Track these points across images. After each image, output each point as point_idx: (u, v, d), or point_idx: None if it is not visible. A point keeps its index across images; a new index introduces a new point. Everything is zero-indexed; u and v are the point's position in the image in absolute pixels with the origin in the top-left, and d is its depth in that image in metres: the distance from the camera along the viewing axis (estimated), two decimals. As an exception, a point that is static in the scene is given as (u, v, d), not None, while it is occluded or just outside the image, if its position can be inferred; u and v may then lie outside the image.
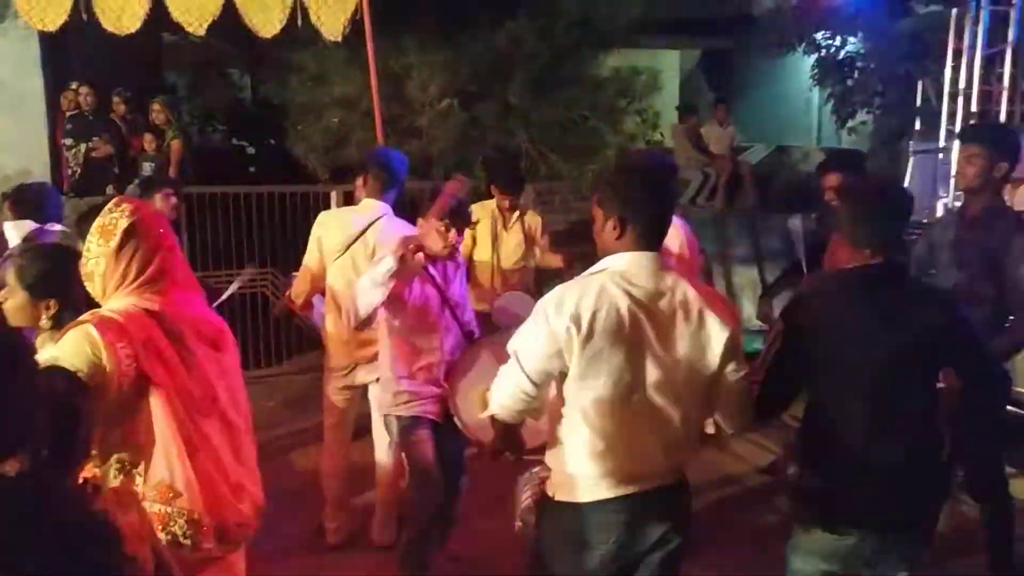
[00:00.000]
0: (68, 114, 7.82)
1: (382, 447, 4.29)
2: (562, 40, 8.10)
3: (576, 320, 2.20)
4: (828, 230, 4.50)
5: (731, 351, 2.32)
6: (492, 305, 4.90)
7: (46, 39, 6.94)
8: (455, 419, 3.48)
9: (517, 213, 5.41)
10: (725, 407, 2.44)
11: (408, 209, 4.25)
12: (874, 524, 2.53)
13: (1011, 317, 3.49)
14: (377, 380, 4.11)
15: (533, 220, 5.53)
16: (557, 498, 2.40)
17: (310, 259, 4.33)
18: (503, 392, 2.37)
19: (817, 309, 2.60)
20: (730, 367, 2.34)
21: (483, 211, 5.25)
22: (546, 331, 2.23)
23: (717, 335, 2.29)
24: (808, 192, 8.71)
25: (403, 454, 3.75)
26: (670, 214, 2.41)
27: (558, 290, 2.29)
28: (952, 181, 6.35)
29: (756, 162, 11.36)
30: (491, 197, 5.39)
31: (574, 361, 2.22)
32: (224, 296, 5.19)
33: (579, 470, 2.33)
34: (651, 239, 2.32)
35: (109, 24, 5.52)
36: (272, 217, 7.09)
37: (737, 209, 10.12)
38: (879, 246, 2.52)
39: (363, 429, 4.51)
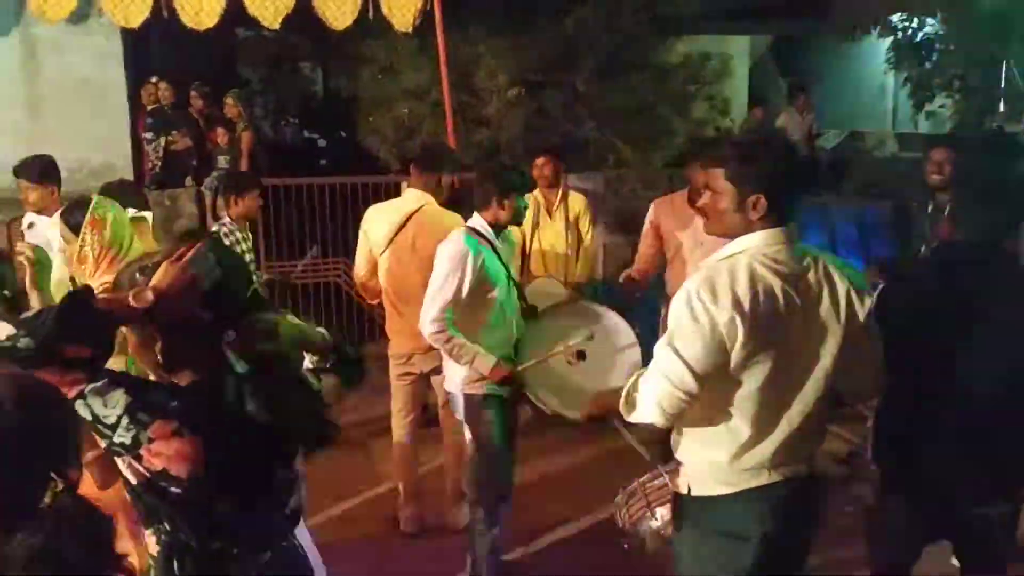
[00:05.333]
0: (148, 108, 8.07)
1: (450, 433, 4.35)
2: (630, 26, 8.04)
3: (738, 307, 2.08)
4: (909, 217, 4.41)
5: (871, 315, 2.26)
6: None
7: (127, 35, 7.16)
8: (529, 395, 3.50)
9: (560, 198, 5.42)
10: (860, 377, 2.36)
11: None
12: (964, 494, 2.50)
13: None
14: (437, 368, 4.19)
15: (576, 204, 5.52)
16: (697, 494, 2.30)
17: (360, 251, 4.45)
18: (660, 395, 2.18)
19: (917, 288, 2.56)
20: (873, 334, 2.29)
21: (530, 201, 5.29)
22: (707, 323, 2.09)
23: (860, 304, 2.23)
24: (884, 178, 8.50)
25: (469, 433, 3.76)
26: (802, 189, 2.32)
27: (700, 279, 2.15)
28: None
29: (829, 148, 11.11)
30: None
31: (736, 349, 2.10)
32: (294, 274, 5.39)
33: (726, 461, 2.23)
34: (785, 215, 2.21)
35: (188, 20, 5.67)
36: (344, 208, 7.21)
37: (812, 198, 9.91)
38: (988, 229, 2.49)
39: (433, 417, 4.58)
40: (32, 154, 4.80)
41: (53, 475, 1.44)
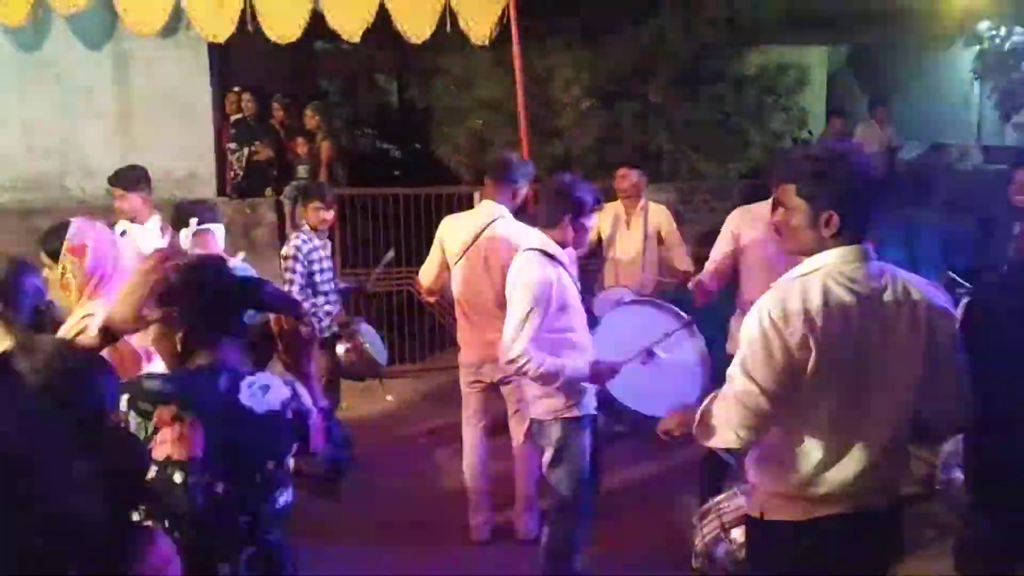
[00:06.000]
0: (232, 119, 8.31)
1: (520, 441, 4.37)
2: (705, 37, 7.98)
3: (811, 327, 2.05)
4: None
5: (955, 337, 2.19)
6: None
7: (213, 49, 7.38)
8: (621, 406, 3.46)
9: (640, 209, 5.43)
10: (944, 403, 2.26)
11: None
12: None
13: None
14: (507, 377, 4.20)
15: (657, 216, 5.52)
16: (770, 518, 2.25)
17: (430, 258, 4.52)
18: (735, 419, 2.15)
19: (1005, 305, 2.49)
20: (958, 355, 2.21)
21: (606, 212, 5.29)
22: (778, 344, 2.07)
23: (942, 324, 2.16)
24: (967, 191, 8.25)
25: (549, 455, 3.64)
26: (878, 205, 2.26)
27: (772, 299, 2.12)
28: None
29: (910, 160, 10.82)
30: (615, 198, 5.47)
31: (809, 371, 2.07)
32: (369, 283, 5.50)
33: (799, 485, 2.18)
34: (861, 232, 2.16)
35: (272, 34, 5.84)
36: (418, 218, 7.31)
37: (891, 212, 9.67)
38: None
39: (503, 426, 4.60)
40: (124, 164, 5.01)
41: None
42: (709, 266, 4.48)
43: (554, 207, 3.46)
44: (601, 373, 3.39)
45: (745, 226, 4.47)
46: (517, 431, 4.35)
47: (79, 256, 2.77)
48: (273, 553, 2.08)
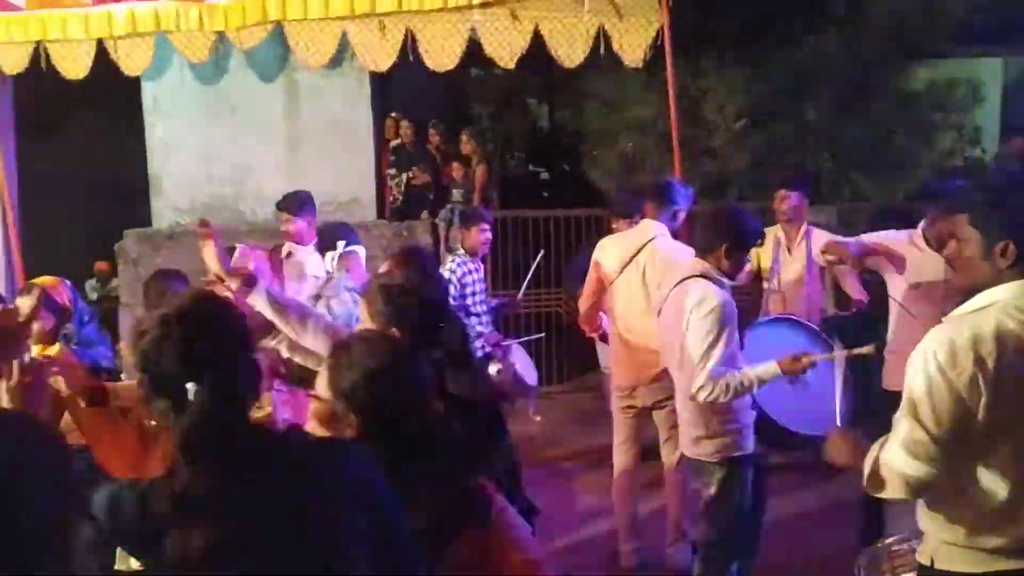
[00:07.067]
0: (391, 145, 8.65)
1: (672, 469, 4.29)
2: (870, 52, 7.67)
3: (982, 367, 1.94)
4: None
5: None
6: None
7: (374, 77, 7.70)
8: (772, 424, 3.35)
9: (802, 234, 5.15)
10: None
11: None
12: None
13: None
14: (661, 401, 4.12)
15: (820, 242, 5.24)
16: (941, 568, 2.13)
17: (588, 281, 4.51)
18: (904, 469, 2.05)
19: None
20: None
21: (768, 237, 5.08)
22: (946, 387, 1.97)
23: None
24: None
25: (710, 491, 3.50)
26: None
27: (940, 337, 2.01)
28: None
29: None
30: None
31: (980, 415, 1.97)
32: (519, 303, 5.59)
33: (973, 535, 2.06)
34: None
35: (431, 63, 6.02)
36: (568, 240, 7.35)
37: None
38: None
39: (654, 451, 4.53)
40: (292, 189, 5.28)
41: None
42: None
43: (712, 233, 3.37)
44: (794, 366, 3.19)
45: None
46: (669, 458, 4.28)
47: None
48: None
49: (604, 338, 4.91)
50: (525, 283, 5.74)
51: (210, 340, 1.59)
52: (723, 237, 3.31)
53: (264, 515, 1.53)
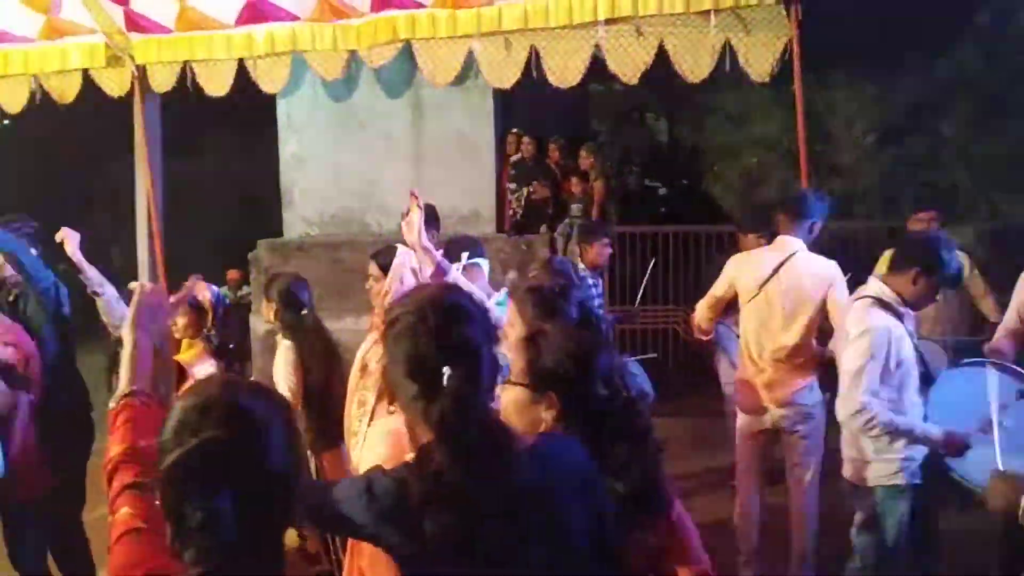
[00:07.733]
0: (511, 160, 8.76)
1: (798, 494, 4.17)
2: (1013, 65, 7.30)
3: None
4: None
5: None
6: None
7: (497, 93, 7.82)
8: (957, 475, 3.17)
9: None
10: None
11: (835, 249, 4.12)
12: None
13: None
14: (790, 428, 4.02)
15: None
16: None
17: (717, 289, 4.38)
18: None
19: None
20: None
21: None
22: None
23: None
24: None
25: (860, 516, 3.43)
26: None
27: None
28: None
29: None
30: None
31: None
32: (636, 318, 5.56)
33: None
34: None
35: (555, 79, 6.07)
36: (686, 256, 7.27)
37: None
38: None
39: (778, 474, 4.42)
40: (418, 203, 5.41)
41: None
42: (1005, 325, 3.92)
43: (908, 255, 3.26)
44: (956, 445, 3.11)
45: None
46: (797, 486, 4.16)
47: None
48: None
49: (710, 346, 4.80)
50: (640, 293, 5.71)
51: (463, 327, 1.65)
52: (917, 261, 3.20)
53: (514, 502, 1.58)
